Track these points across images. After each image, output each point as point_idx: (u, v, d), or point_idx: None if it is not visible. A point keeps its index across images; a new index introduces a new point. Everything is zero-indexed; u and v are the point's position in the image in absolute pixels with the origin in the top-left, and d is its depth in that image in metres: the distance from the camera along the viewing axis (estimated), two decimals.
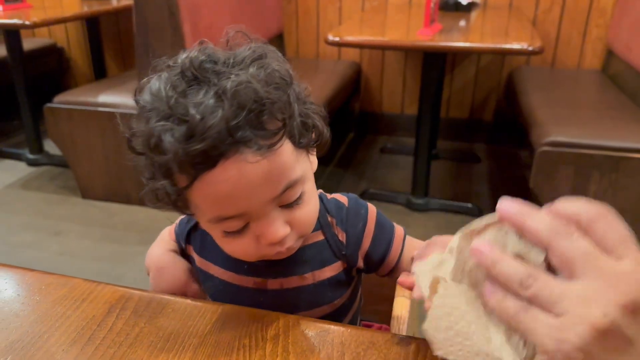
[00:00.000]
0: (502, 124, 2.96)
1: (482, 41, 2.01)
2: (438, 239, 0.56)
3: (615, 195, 1.79)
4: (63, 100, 2.29)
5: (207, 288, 0.69)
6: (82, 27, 3.35)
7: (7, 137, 3.18)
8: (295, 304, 0.65)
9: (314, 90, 0.61)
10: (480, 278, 0.43)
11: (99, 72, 3.33)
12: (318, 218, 0.62)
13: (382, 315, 0.91)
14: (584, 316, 0.37)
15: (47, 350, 0.55)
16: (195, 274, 0.71)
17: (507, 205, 0.42)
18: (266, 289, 0.65)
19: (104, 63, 3.36)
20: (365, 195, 2.35)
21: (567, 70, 2.72)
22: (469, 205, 2.27)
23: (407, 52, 2.91)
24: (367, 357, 0.54)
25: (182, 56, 0.53)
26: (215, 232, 0.57)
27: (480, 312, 0.43)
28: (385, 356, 0.54)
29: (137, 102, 0.53)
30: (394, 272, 0.70)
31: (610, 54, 2.59)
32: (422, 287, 0.47)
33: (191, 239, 0.70)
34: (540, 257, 0.40)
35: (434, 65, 2.19)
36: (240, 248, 0.56)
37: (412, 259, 0.63)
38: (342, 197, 0.69)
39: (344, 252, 0.66)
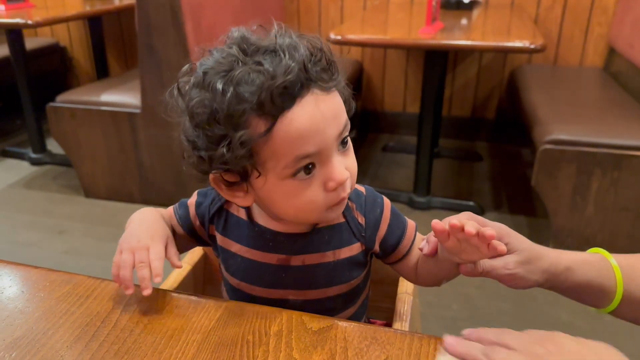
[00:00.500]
0: (504, 122, 2.95)
1: (484, 39, 2.00)
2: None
3: (617, 194, 1.78)
4: (66, 99, 2.30)
5: (229, 265, 0.72)
6: (85, 27, 3.35)
7: (10, 136, 3.19)
8: (314, 280, 0.69)
9: None
10: None
11: (102, 72, 3.33)
12: None
13: (385, 313, 0.91)
14: None
15: (52, 347, 0.55)
16: (215, 251, 0.75)
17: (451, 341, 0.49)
18: (289, 265, 0.68)
19: (106, 62, 3.36)
20: None
21: (569, 68, 2.72)
22: (471, 203, 2.27)
23: (409, 50, 2.91)
24: (370, 353, 0.54)
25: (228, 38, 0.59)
26: (284, 188, 0.59)
27: None
28: (387, 352, 0.55)
29: (194, 73, 0.58)
30: (403, 260, 0.73)
31: (612, 52, 2.59)
32: None
33: (214, 220, 0.72)
34: None
35: (436, 63, 2.19)
36: (308, 199, 0.59)
37: (420, 249, 0.69)
38: (359, 187, 0.73)
39: (363, 234, 0.70)
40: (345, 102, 0.61)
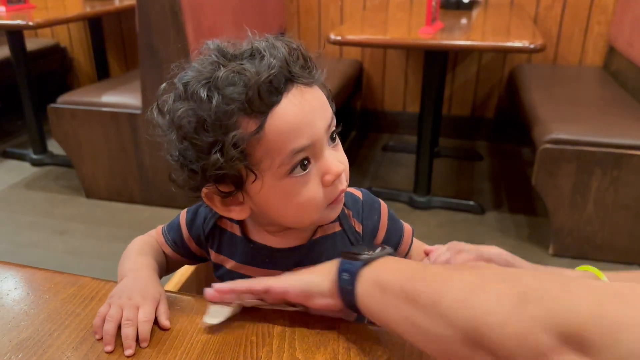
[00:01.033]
0: (504, 122, 2.96)
1: (484, 39, 2.01)
2: (457, 245, 0.64)
3: (617, 192, 1.79)
4: (66, 100, 2.30)
5: (224, 282, 0.70)
6: (85, 28, 3.36)
7: (11, 137, 3.19)
8: None
9: None
10: None
11: (102, 72, 3.34)
12: None
13: None
14: None
15: (58, 348, 0.55)
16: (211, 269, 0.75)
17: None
18: None
19: (106, 63, 3.37)
20: None
21: (569, 68, 2.72)
22: (471, 202, 2.28)
23: (409, 50, 2.91)
24: (372, 353, 0.55)
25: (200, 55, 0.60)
26: (283, 188, 0.58)
27: None
28: (390, 352, 0.55)
29: (174, 89, 0.58)
30: None
31: (611, 51, 2.59)
32: None
33: (209, 238, 0.72)
34: None
35: (436, 63, 2.20)
36: (308, 196, 0.59)
37: (426, 253, 0.70)
38: (356, 191, 0.72)
39: (360, 243, 0.69)
40: (327, 98, 0.62)
